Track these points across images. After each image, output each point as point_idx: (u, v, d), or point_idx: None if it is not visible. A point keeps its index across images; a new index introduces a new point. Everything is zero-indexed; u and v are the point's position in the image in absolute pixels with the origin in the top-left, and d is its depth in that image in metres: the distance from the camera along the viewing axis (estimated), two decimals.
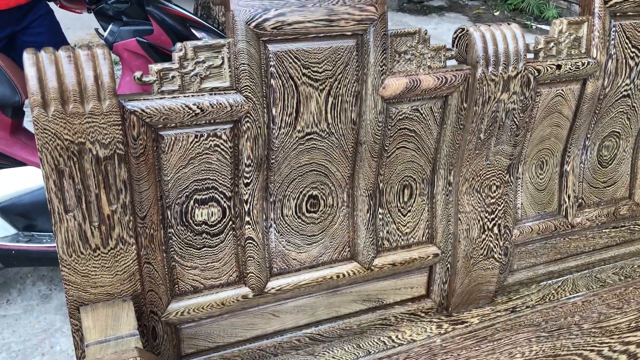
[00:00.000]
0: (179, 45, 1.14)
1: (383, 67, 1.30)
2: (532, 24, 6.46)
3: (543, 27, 6.44)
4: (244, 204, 1.31)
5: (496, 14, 6.81)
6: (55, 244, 2.12)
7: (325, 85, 1.27)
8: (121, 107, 1.11)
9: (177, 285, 1.33)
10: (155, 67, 1.14)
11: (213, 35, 2.07)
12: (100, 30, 2.13)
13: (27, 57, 1.05)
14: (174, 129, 1.18)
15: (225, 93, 1.19)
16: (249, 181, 1.29)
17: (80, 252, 1.18)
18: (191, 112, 1.17)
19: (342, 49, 1.26)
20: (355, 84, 1.30)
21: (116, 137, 1.11)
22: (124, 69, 2.12)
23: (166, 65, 1.14)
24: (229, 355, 1.44)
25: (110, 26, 2.01)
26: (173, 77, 1.15)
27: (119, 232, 1.20)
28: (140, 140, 1.15)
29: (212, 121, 1.20)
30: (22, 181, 2.07)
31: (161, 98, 1.15)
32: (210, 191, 1.28)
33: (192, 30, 2.01)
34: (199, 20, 2.11)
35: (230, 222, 1.33)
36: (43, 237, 2.11)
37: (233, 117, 1.21)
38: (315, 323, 1.51)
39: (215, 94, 1.19)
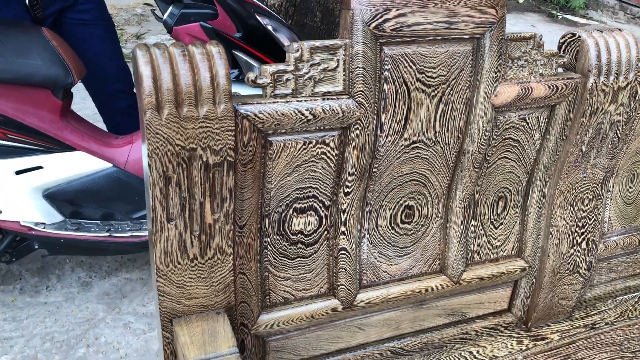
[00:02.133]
0: (295, 45, 1.05)
1: (497, 73, 1.22)
2: (558, 13, 6.34)
3: (569, 17, 6.33)
4: (341, 213, 1.24)
5: (520, 1, 6.68)
6: (102, 234, 2.05)
7: (438, 92, 1.19)
8: (235, 111, 1.02)
9: (268, 297, 1.26)
10: (269, 68, 1.05)
11: (276, 22, 1.97)
12: (158, 12, 2.02)
13: (141, 54, 0.96)
14: (283, 135, 1.10)
15: (337, 98, 1.11)
16: (349, 190, 1.21)
17: (178, 263, 1.11)
18: (303, 118, 1.08)
19: (458, 53, 1.18)
20: (467, 91, 1.22)
21: (228, 143, 1.03)
22: None
23: (281, 67, 1.06)
24: None
25: (170, 8, 1.91)
26: (287, 80, 1.06)
27: (218, 242, 1.12)
28: (250, 147, 1.07)
29: (321, 127, 1.12)
30: (71, 167, 1.99)
31: (274, 102, 1.06)
32: (310, 200, 1.20)
33: (257, 17, 1.91)
34: (262, 5, 2.00)
35: (326, 232, 1.25)
36: (91, 225, 2.03)
37: (343, 124, 1.13)
38: (398, 337, 1.45)
39: (327, 98, 1.10)
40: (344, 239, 1.27)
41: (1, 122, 1.87)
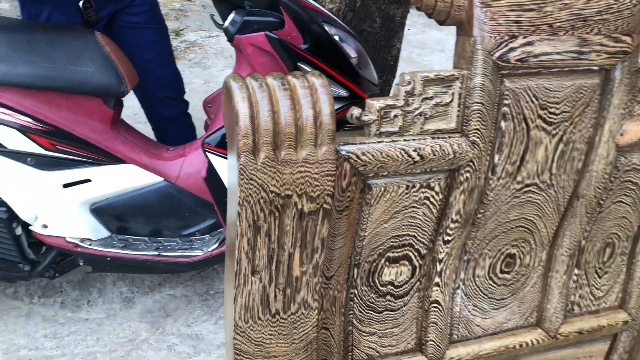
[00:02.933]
0: (406, 77, 0.91)
1: (625, 109, 1.06)
2: None
3: None
4: (437, 263, 1.09)
5: None
6: (150, 252, 1.93)
7: (559, 130, 1.04)
8: (335, 152, 0.88)
9: (351, 354, 1.12)
10: (376, 103, 0.90)
11: (343, 31, 1.83)
12: (217, 18, 1.89)
13: (237, 87, 0.82)
14: (385, 178, 0.96)
15: (449, 137, 0.96)
16: (450, 238, 1.07)
17: (258, 318, 0.97)
18: (409, 159, 0.94)
19: (585, 87, 1.02)
20: (590, 129, 1.06)
21: (326, 190, 0.89)
22: (239, 65, 1.88)
23: (389, 101, 0.91)
24: None
25: (232, 14, 1.77)
26: (395, 116, 0.92)
27: (303, 296, 0.98)
28: (349, 192, 0.93)
29: (428, 170, 0.97)
30: (120, 180, 1.87)
31: (379, 142, 0.92)
32: (406, 248, 1.05)
33: (326, 27, 1.76)
34: (331, 15, 1.86)
35: (418, 283, 1.11)
36: (138, 242, 1.92)
37: (452, 166, 0.98)
38: None
39: (438, 137, 0.95)
40: (437, 290, 1.12)
41: (50, 133, 1.76)
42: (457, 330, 1.19)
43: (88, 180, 1.83)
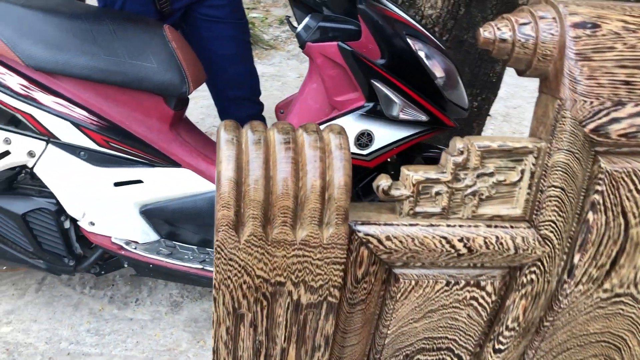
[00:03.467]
0: (459, 144, 0.67)
1: None
2: None
3: None
4: None
5: None
6: (194, 265, 1.81)
7: None
8: (349, 235, 0.67)
9: None
10: (413, 175, 0.68)
11: (430, 47, 1.58)
12: (293, 20, 1.71)
13: (225, 139, 0.63)
14: (417, 269, 0.73)
15: (511, 226, 0.72)
16: (503, 347, 0.82)
17: None
18: (453, 251, 0.71)
19: None
20: None
21: (332, 280, 0.69)
22: (311, 73, 1.70)
23: (431, 174, 0.68)
24: None
25: (307, 19, 1.58)
26: (437, 193, 0.69)
27: None
28: (365, 283, 0.71)
29: (478, 265, 0.73)
30: (174, 184, 1.75)
31: (412, 225, 0.70)
32: (442, 352, 0.82)
33: (409, 42, 1.53)
34: (418, 26, 1.61)
35: None
36: (185, 251, 1.80)
37: (512, 263, 0.74)
38: None
39: (495, 226, 0.71)
40: None
41: (105, 128, 1.67)
42: None
43: (140, 181, 1.74)
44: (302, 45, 1.61)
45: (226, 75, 2.02)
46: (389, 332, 0.78)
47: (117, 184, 1.74)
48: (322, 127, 0.67)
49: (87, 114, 1.65)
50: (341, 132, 0.66)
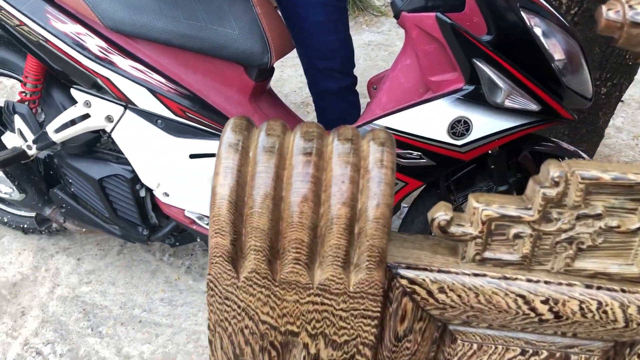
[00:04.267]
0: (553, 171, 0.47)
1: None
2: None
3: None
4: None
5: None
6: None
7: None
8: (387, 279, 0.50)
9: None
10: (484, 208, 0.49)
11: (554, 26, 1.31)
12: None
13: (227, 143, 0.48)
14: (482, 329, 0.55)
15: (623, 290, 0.51)
16: None
17: None
18: (533, 314, 0.51)
19: None
20: None
21: (362, 336, 0.52)
22: (406, 48, 1.49)
23: (509, 210, 0.49)
24: None
25: None
26: (517, 236, 0.50)
27: None
28: (408, 342, 0.54)
29: (567, 334, 0.53)
30: None
31: (478, 275, 0.51)
32: None
33: (524, 16, 1.27)
34: None
35: None
36: None
37: (621, 337, 0.53)
38: None
39: (600, 287, 0.51)
40: None
41: (182, 96, 1.58)
42: None
43: (215, 155, 1.64)
44: (397, 15, 1.41)
45: (317, 43, 1.86)
46: None
47: (192, 156, 1.66)
48: (367, 127, 0.50)
49: (164, 81, 1.57)
50: (386, 142, 0.48)
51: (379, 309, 0.50)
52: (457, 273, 0.51)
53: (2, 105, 1.74)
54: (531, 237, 0.49)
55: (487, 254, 0.50)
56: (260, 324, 0.52)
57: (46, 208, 1.86)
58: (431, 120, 1.38)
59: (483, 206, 0.49)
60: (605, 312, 0.50)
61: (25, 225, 2.06)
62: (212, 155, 1.65)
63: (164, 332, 1.85)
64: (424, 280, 0.50)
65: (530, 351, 0.55)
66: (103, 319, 1.88)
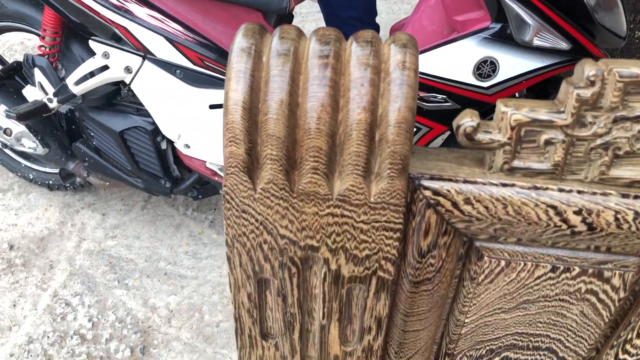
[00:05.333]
0: (589, 70, 0.44)
1: None
2: None
3: None
4: None
5: None
6: None
7: None
8: (409, 192, 0.48)
9: None
10: (513, 113, 0.46)
11: None
12: None
13: (239, 48, 0.46)
14: (511, 245, 0.52)
15: None
16: (632, 359, 0.60)
17: None
18: (565, 226, 0.49)
19: None
20: None
21: (384, 250, 0.50)
22: None
23: (540, 114, 0.46)
24: None
25: None
26: (549, 142, 0.47)
27: None
28: (432, 259, 0.52)
29: (600, 248, 0.51)
30: None
31: (506, 185, 0.48)
32: (541, 352, 0.62)
33: None
34: None
35: None
36: None
37: None
38: None
39: (637, 197, 0.48)
40: None
41: (200, 45, 1.56)
42: None
43: None
44: None
45: None
46: (467, 320, 0.59)
47: (212, 107, 1.64)
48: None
49: (182, 29, 1.54)
50: (408, 44, 0.45)
51: (401, 220, 0.48)
52: (484, 183, 0.48)
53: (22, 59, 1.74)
54: (564, 143, 0.46)
55: (516, 163, 0.48)
56: (279, 239, 0.50)
57: (69, 162, 1.87)
58: (456, 61, 1.34)
59: (512, 110, 0.46)
60: None
61: (51, 182, 2.08)
62: None
63: (189, 284, 1.87)
64: (448, 191, 0.48)
65: (562, 267, 0.52)
66: (129, 271, 1.91)
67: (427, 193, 0.48)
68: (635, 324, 0.56)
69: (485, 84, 1.35)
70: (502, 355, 0.62)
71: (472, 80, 1.35)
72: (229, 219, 0.49)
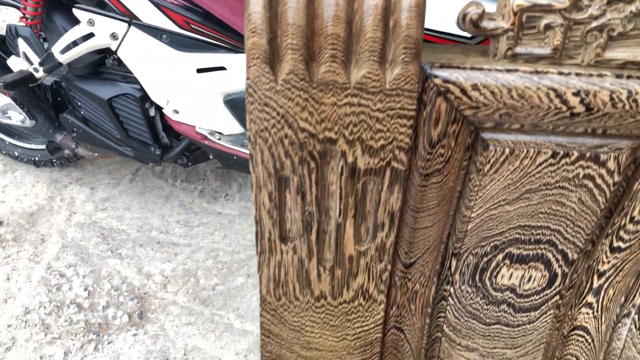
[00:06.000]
0: None
1: None
2: None
3: None
4: (595, 275, 0.68)
5: None
6: None
7: None
8: (421, 81, 0.51)
9: None
10: (513, 0, 0.50)
11: None
12: None
13: None
14: (514, 133, 0.56)
15: None
16: (625, 246, 0.64)
17: (295, 297, 0.69)
18: (565, 108, 0.53)
19: None
20: None
21: (398, 140, 0.53)
22: None
23: (541, 0, 0.49)
24: None
25: None
26: (548, 27, 0.50)
27: (362, 283, 0.67)
28: (442, 148, 0.56)
29: (598, 131, 0.55)
30: None
31: (510, 71, 0.52)
32: (542, 246, 0.66)
33: None
34: None
35: (557, 297, 0.71)
36: None
37: None
38: None
39: (630, 76, 0.52)
40: (588, 313, 0.72)
41: (186, 8, 1.56)
42: None
43: (223, 68, 1.64)
44: None
45: None
46: (473, 215, 0.63)
47: (199, 70, 1.65)
48: None
49: None
50: None
51: (414, 107, 0.51)
52: (489, 70, 0.52)
53: (5, 30, 1.73)
54: (562, 27, 0.50)
55: (519, 49, 0.51)
56: (299, 132, 0.53)
57: (57, 134, 1.87)
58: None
59: None
60: (635, 100, 0.52)
61: (37, 158, 2.07)
62: (219, 68, 1.65)
63: (183, 251, 1.89)
64: (457, 78, 0.51)
65: (561, 153, 0.56)
66: (121, 241, 1.92)
67: (438, 81, 0.51)
68: (628, 209, 0.61)
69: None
70: (506, 251, 0.66)
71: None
72: (252, 114, 0.52)
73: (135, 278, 1.81)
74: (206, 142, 1.73)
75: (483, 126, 0.55)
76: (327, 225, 0.61)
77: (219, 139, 1.71)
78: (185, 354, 1.60)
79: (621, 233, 0.63)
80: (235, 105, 1.71)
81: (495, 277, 0.69)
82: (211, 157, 1.81)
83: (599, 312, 0.71)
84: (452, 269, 0.69)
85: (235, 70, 1.65)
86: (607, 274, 0.67)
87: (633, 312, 0.73)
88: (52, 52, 1.65)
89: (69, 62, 1.67)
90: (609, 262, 0.66)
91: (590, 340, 0.74)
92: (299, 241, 0.63)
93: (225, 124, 1.72)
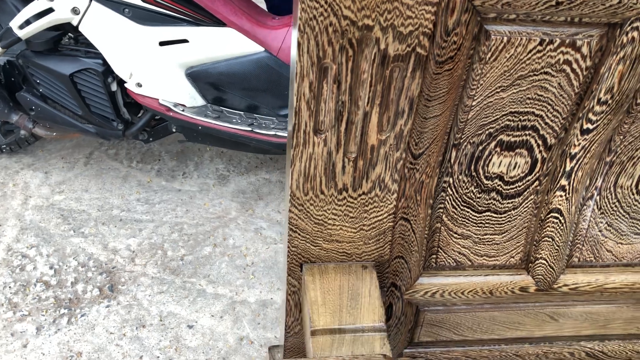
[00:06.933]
0: None
1: None
2: None
3: None
4: (568, 159, 0.82)
5: None
6: (243, 127, 1.80)
7: None
8: None
9: (435, 256, 0.91)
10: None
11: None
12: None
13: None
14: (510, 25, 0.69)
15: None
16: (592, 127, 0.78)
17: (320, 191, 0.78)
18: None
19: None
20: None
21: (423, 26, 0.64)
22: None
23: None
24: (475, 353, 1.03)
25: None
26: None
27: (380, 173, 0.77)
28: (455, 36, 0.67)
29: (575, 19, 0.68)
30: (219, 45, 1.72)
31: None
32: (527, 132, 0.79)
33: None
34: None
35: (536, 183, 0.85)
36: (233, 115, 1.79)
37: (613, 18, 0.68)
38: (601, 337, 1.04)
39: None
40: (561, 196, 0.86)
41: None
42: (580, 252, 0.93)
43: (185, 41, 1.70)
44: None
45: None
46: (473, 103, 0.75)
47: (162, 44, 1.71)
48: None
49: None
50: None
51: None
52: None
53: None
54: None
55: None
56: (342, 20, 0.63)
57: (13, 115, 1.85)
58: None
59: None
60: None
61: None
62: (182, 41, 1.71)
63: (147, 227, 1.92)
64: None
65: (547, 40, 0.69)
66: (83, 221, 1.92)
67: None
68: (595, 92, 0.75)
69: None
70: (498, 138, 0.79)
71: None
72: (303, 3, 0.61)
73: (102, 254, 1.82)
74: (170, 114, 1.77)
75: (487, 16, 0.67)
76: (355, 114, 0.71)
77: (183, 110, 1.76)
78: (161, 320, 1.63)
79: (590, 115, 0.77)
80: (197, 77, 1.77)
81: (487, 165, 0.82)
82: (174, 129, 1.85)
83: (570, 194, 0.85)
84: (452, 160, 0.81)
85: (197, 43, 1.72)
86: (578, 156, 0.81)
87: (595, 194, 0.88)
88: (11, 27, 1.64)
89: (27, 37, 1.67)
90: (579, 144, 0.80)
91: (563, 221, 0.88)
92: (329, 132, 0.72)
93: (188, 97, 1.78)
